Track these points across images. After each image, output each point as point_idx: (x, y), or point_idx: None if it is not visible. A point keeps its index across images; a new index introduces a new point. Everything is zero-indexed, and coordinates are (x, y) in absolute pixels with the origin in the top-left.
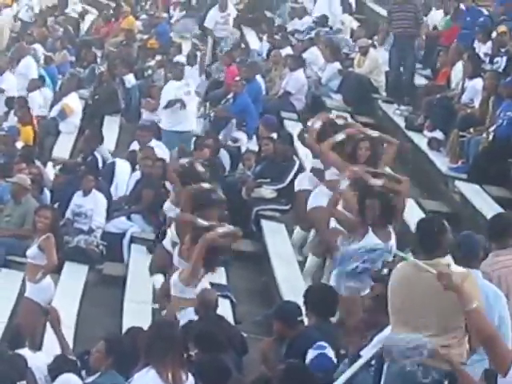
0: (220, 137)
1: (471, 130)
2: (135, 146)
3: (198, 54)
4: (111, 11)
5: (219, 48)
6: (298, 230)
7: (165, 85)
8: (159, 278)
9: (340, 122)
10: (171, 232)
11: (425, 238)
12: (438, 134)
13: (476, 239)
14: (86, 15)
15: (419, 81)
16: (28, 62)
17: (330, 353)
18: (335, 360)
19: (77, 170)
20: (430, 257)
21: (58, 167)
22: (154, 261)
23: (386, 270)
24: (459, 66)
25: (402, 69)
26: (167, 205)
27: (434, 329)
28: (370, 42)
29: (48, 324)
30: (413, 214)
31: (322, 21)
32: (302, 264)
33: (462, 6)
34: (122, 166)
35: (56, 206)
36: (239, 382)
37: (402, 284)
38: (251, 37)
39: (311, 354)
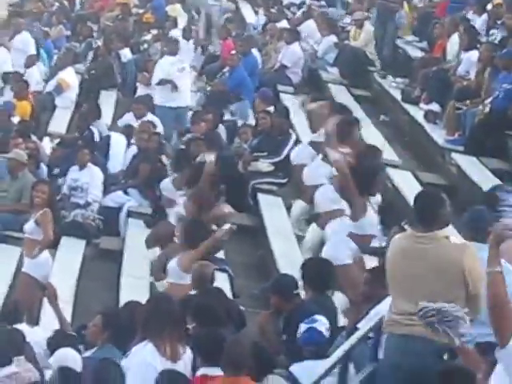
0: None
1: (467, 102)
2: (128, 117)
3: (194, 28)
4: None
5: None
6: (297, 203)
7: (160, 59)
8: (156, 252)
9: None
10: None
11: (423, 211)
12: (435, 107)
13: (485, 214)
14: None
15: (415, 53)
16: (25, 38)
17: (321, 326)
18: (327, 333)
19: (74, 145)
20: (429, 229)
21: (55, 141)
22: (153, 235)
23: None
24: (455, 38)
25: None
26: (166, 184)
27: (432, 300)
28: (365, 14)
29: (46, 299)
30: (410, 186)
31: None
32: (299, 238)
33: None
34: (117, 139)
35: (60, 180)
36: (239, 341)
37: (399, 256)
38: (247, 10)
39: (302, 328)
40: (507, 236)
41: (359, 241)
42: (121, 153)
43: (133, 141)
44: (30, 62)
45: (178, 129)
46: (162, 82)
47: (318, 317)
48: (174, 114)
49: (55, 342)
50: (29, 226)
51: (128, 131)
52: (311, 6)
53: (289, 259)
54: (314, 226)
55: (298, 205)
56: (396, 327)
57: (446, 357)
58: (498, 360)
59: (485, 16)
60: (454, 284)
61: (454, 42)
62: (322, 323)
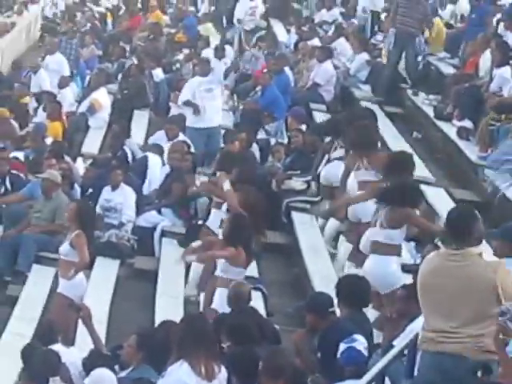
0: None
1: (503, 116)
2: (160, 135)
3: (229, 46)
4: (139, 5)
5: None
6: (330, 221)
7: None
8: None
9: None
10: None
11: (456, 228)
12: (467, 123)
13: None
14: (120, 11)
15: (447, 70)
16: (59, 59)
17: (360, 346)
18: (366, 352)
19: (107, 165)
20: (461, 246)
21: (88, 162)
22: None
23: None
24: (487, 54)
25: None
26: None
27: (465, 318)
28: None
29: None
30: (443, 203)
31: (351, 13)
32: (333, 255)
33: None
34: (154, 160)
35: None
36: (279, 350)
37: (431, 274)
38: (279, 29)
39: (341, 347)
40: None
41: (385, 250)
42: (157, 173)
43: (165, 160)
44: (64, 82)
45: (208, 149)
46: (187, 103)
47: (356, 336)
48: (202, 135)
49: (91, 363)
50: (64, 247)
51: (158, 150)
52: (342, 24)
53: (323, 277)
54: (342, 238)
55: (331, 223)
56: (429, 344)
57: (480, 374)
58: None
59: None
60: (487, 302)
61: (486, 58)
62: (360, 342)
